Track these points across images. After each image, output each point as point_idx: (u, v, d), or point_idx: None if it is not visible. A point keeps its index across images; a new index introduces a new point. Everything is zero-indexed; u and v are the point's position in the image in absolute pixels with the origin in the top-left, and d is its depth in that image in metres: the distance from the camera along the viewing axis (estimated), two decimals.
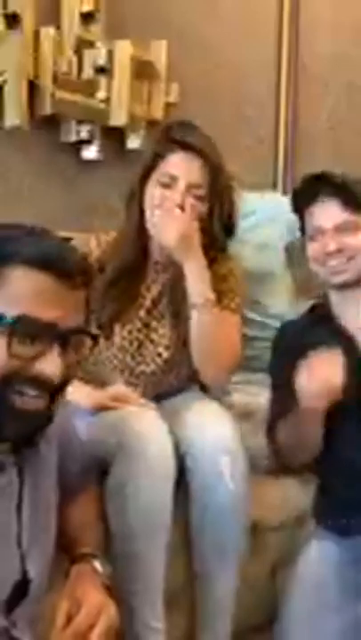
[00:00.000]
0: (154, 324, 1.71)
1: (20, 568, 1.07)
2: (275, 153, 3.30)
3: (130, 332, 1.70)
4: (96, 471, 1.40)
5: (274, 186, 3.24)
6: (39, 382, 0.98)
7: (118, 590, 1.32)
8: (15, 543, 1.07)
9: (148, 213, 1.66)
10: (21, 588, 1.08)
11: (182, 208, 1.62)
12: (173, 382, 1.75)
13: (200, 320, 1.62)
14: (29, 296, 0.96)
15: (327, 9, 3.38)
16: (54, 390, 0.99)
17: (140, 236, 1.68)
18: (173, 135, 1.69)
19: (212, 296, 1.63)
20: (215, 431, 1.58)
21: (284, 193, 3.20)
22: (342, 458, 1.51)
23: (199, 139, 1.68)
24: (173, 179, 1.64)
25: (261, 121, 3.24)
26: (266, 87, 3.27)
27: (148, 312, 1.71)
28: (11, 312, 0.95)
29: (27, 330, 0.96)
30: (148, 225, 1.66)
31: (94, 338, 1.06)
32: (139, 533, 1.43)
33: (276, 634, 1.46)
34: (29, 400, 0.98)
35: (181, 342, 1.68)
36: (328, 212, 1.59)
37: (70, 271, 0.98)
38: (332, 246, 1.56)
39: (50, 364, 0.97)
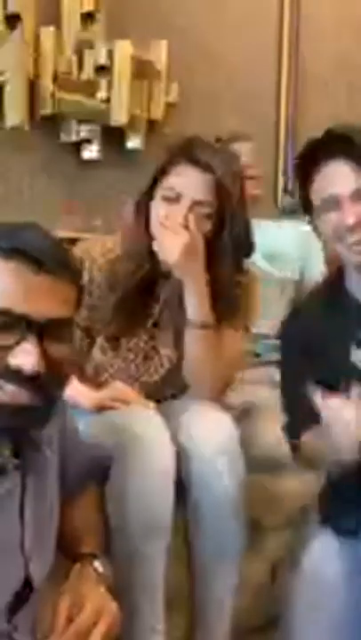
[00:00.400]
0: (159, 335, 1.69)
1: (23, 572, 1.07)
2: (275, 153, 3.30)
3: (136, 344, 1.68)
4: (96, 471, 1.39)
5: (274, 186, 3.25)
6: (13, 374, 0.94)
7: (119, 590, 1.32)
8: (18, 547, 1.07)
9: (153, 228, 1.60)
10: (24, 592, 1.07)
11: (186, 227, 1.55)
12: (173, 391, 1.74)
13: (193, 341, 1.60)
14: (1, 286, 0.94)
15: (327, 9, 3.38)
16: (37, 384, 0.95)
17: (148, 248, 1.61)
18: (183, 147, 1.60)
19: (209, 319, 1.59)
20: (213, 432, 1.57)
21: (285, 193, 3.21)
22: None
23: (209, 153, 1.59)
24: (178, 194, 1.56)
25: (262, 121, 3.24)
26: (266, 87, 3.27)
27: (155, 325, 1.69)
28: None
29: (2, 322, 0.93)
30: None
31: (85, 331, 1.03)
32: (139, 534, 1.43)
33: (279, 633, 1.45)
34: (9, 394, 0.94)
35: (182, 355, 1.66)
36: (341, 177, 1.34)
37: (43, 260, 0.95)
38: (351, 219, 1.33)
39: (23, 356, 0.93)
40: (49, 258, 0.96)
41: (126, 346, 1.68)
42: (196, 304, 1.59)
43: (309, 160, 1.38)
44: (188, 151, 1.58)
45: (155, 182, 1.61)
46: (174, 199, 1.56)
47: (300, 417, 1.46)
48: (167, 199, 1.57)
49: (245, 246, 1.67)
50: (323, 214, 1.37)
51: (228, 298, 1.63)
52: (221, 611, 1.58)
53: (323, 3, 3.38)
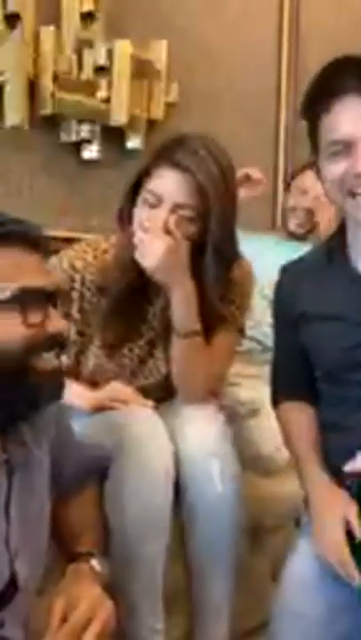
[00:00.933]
0: (156, 339, 1.66)
1: (8, 570, 1.07)
2: (275, 153, 3.30)
3: (131, 350, 1.66)
4: (95, 472, 1.39)
5: (274, 186, 3.24)
6: (56, 342, 1.06)
7: (118, 590, 1.32)
8: (3, 543, 1.06)
9: (135, 236, 1.54)
10: (8, 591, 1.07)
11: (168, 230, 1.49)
12: (170, 394, 1.73)
13: (178, 349, 1.58)
14: (14, 270, 1.02)
15: (327, 9, 3.38)
16: (63, 346, 1.09)
17: (132, 257, 1.55)
18: (166, 148, 1.54)
19: (194, 326, 1.56)
20: (205, 434, 1.56)
21: (285, 194, 3.21)
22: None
23: (190, 154, 1.50)
24: (159, 197, 1.51)
25: (261, 121, 3.24)
26: (266, 87, 3.27)
27: (152, 329, 1.66)
28: (6, 289, 1.01)
29: (32, 299, 1.03)
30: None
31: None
32: (138, 534, 1.43)
33: (268, 634, 1.42)
34: (47, 361, 1.05)
35: None
36: (355, 116, 1.17)
37: (37, 240, 1.06)
38: None
39: (58, 322, 1.06)
40: (38, 238, 1.07)
41: (121, 352, 1.66)
42: (179, 312, 1.55)
43: (319, 95, 1.23)
44: (169, 152, 1.53)
45: (139, 184, 1.56)
46: (155, 204, 1.51)
47: (281, 384, 1.46)
48: (149, 204, 1.52)
49: (230, 251, 1.60)
50: (330, 160, 1.21)
51: (215, 304, 1.59)
52: (220, 612, 1.58)
53: (323, 3, 3.38)
